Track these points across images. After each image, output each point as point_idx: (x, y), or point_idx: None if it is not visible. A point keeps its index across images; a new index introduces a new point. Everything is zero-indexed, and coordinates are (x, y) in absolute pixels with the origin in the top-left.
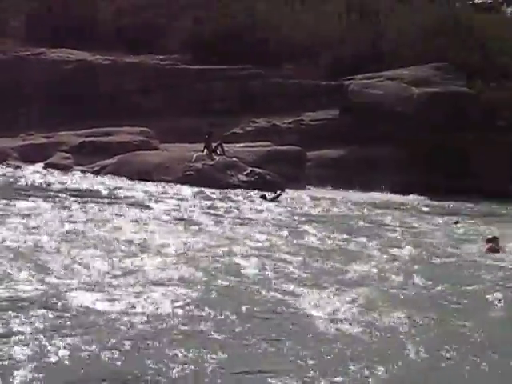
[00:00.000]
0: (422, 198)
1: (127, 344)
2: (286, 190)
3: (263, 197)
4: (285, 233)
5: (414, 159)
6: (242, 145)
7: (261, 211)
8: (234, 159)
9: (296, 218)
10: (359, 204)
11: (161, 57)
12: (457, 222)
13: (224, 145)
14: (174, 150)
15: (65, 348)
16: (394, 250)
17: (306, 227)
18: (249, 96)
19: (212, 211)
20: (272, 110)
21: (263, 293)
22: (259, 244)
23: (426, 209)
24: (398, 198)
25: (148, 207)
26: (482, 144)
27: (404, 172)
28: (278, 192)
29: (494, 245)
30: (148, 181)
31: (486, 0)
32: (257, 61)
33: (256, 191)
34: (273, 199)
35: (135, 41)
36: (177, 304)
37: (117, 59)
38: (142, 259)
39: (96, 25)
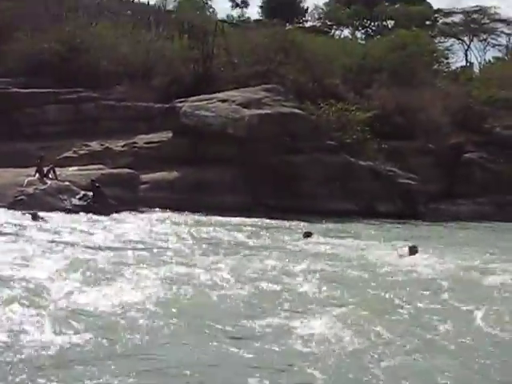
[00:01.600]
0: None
1: None
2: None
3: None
4: None
5: (248, 181)
6: (74, 168)
7: None
8: (67, 183)
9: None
10: (199, 224)
11: None
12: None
13: (56, 169)
14: (4, 174)
15: None
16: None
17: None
18: (81, 119)
19: None
20: (105, 133)
21: None
22: None
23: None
24: (240, 220)
25: None
26: (312, 165)
27: (239, 194)
28: None
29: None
30: None
31: (316, 24)
32: (90, 83)
33: (89, 215)
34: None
35: None
36: None
37: None
38: None
39: None
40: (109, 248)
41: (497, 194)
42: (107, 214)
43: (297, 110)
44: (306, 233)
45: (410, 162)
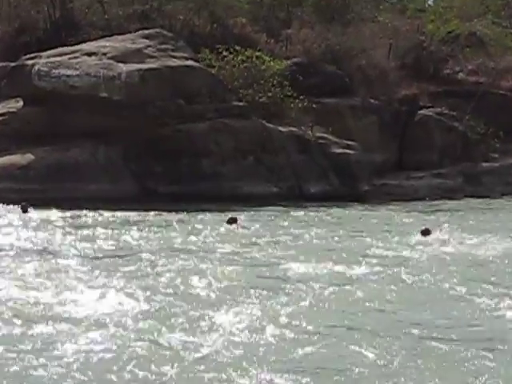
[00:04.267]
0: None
1: None
2: None
3: None
4: None
5: (128, 160)
6: None
7: None
8: None
9: None
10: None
11: None
12: None
13: None
14: None
15: None
16: None
17: None
18: None
19: None
20: None
21: None
22: None
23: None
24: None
25: None
26: (215, 134)
27: (119, 179)
28: None
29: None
30: None
31: None
32: None
33: None
34: None
35: None
36: None
37: None
38: None
39: None
40: None
41: (464, 161)
42: None
43: (191, 62)
44: (230, 219)
45: (347, 124)
